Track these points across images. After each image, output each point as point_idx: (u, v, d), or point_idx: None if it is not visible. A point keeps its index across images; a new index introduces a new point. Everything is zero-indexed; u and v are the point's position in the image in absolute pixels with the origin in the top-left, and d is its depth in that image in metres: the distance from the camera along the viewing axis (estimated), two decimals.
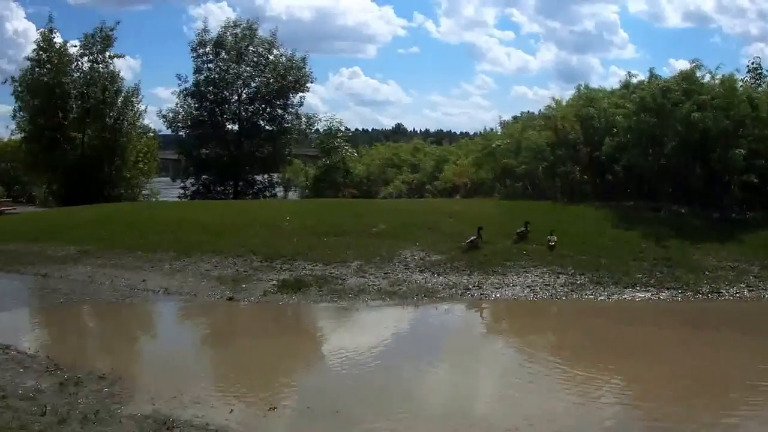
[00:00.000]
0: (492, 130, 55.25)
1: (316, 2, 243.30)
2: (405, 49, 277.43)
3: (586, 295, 17.60)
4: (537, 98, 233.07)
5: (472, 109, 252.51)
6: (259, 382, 12.00)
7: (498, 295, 17.58)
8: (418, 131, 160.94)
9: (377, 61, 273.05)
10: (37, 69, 53.04)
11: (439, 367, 13.10)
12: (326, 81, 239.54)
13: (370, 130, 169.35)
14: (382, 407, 10.70)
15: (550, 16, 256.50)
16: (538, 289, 17.83)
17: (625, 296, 17.56)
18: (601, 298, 17.47)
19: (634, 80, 30.57)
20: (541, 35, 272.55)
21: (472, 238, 20.74)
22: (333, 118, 63.21)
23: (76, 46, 53.95)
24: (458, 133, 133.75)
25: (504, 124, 48.33)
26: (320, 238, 22.58)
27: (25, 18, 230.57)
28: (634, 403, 11.14)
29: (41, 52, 53.23)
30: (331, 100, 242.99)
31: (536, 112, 45.94)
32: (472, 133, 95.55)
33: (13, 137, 63.60)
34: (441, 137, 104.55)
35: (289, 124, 60.10)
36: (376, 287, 18.09)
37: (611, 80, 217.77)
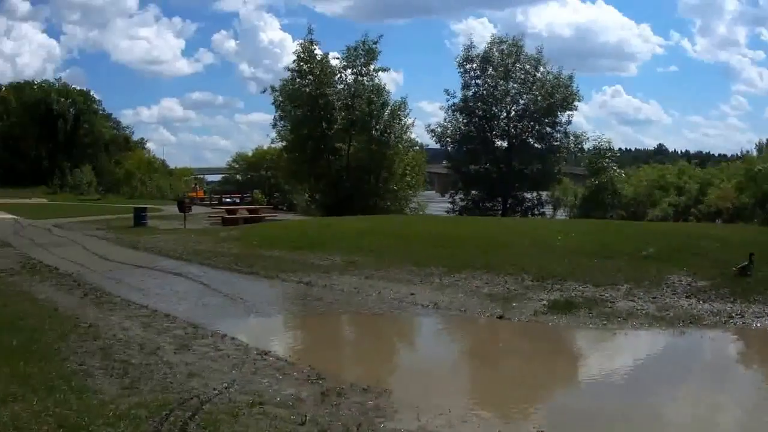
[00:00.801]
0: (748, 152, 54.01)
1: (576, 19, 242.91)
2: (664, 67, 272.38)
3: None
4: None
5: (727, 131, 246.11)
6: (526, 403, 11.56)
7: (758, 325, 16.51)
8: (679, 152, 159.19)
9: (638, 79, 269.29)
10: (298, 79, 55.24)
11: (691, 398, 12.37)
12: (590, 99, 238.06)
13: (632, 149, 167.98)
14: None
15: None
16: None
17: None
18: None
19: None
20: None
21: (743, 263, 19.64)
22: (601, 138, 62.93)
23: (338, 59, 55.72)
24: (716, 154, 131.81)
25: (761, 147, 47.32)
26: (590, 259, 22.04)
27: (279, 29, 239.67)
28: None
29: (302, 63, 55.28)
30: (595, 119, 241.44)
31: None
32: (729, 156, 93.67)
33: (273, 145, 65.67)
34: (701, 159, 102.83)
35: (558, 143, 59.99)
36: (644, 312, 17.26)
37: None
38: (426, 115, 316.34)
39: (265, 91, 59.05)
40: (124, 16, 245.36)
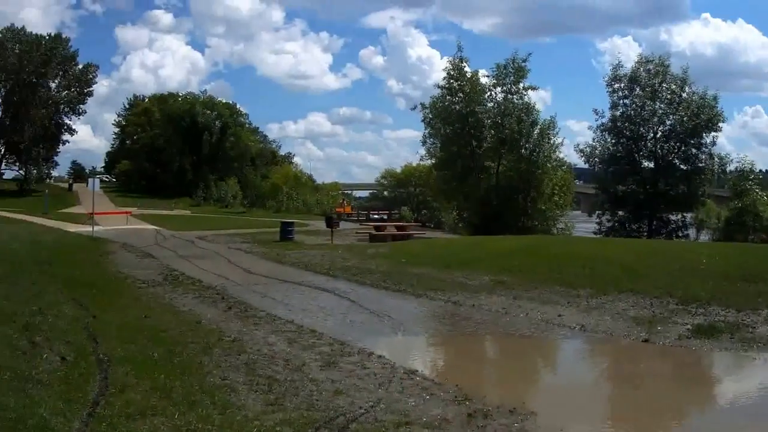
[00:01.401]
0: None
1: (718, 38, 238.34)
2: None
3: None
4: None
5: None
6: (668, 429, 11.82)
7: None
8: None
9: None
10: (448, 97, 55.81)
11: None
12: (731, 120, 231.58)
13: None
14: None
15: None
16: None
17: None
18: None
19: None
20: None
21: None
22: (744, 160, 62.19)
23: (487, 76, 55.86)
24: None
25: None
26: (733, 283, 21.83)
27: (428, 45, 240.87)
28: None
29: (452, 81, 55.78)
30: (736, 140, 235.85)
31: None
32: None
33: (422, 162, 66.40)
34: None
35: (703, 164, 59.40)
36: None
37: None
38: (573, 133, 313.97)
39: (415, 107, 60.11)
40: (270, 30, 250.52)
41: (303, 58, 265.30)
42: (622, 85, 61.11)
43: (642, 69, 61.49)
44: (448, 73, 56.79)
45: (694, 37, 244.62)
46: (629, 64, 63.26)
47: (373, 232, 46.04)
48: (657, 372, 15.98)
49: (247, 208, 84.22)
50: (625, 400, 13.85)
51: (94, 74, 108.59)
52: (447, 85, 56.88)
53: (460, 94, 56.06)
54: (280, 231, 43.35)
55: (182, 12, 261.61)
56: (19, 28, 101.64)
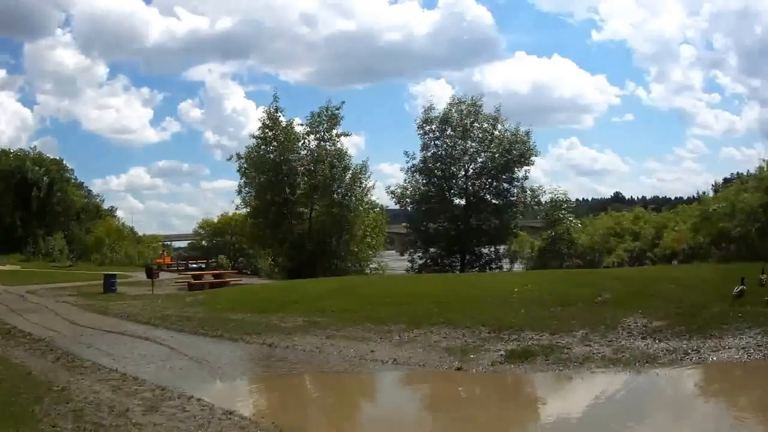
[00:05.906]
0: (704, 194, 55.56)
1: (532, 76, 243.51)
2: (619, 117, 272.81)
3: None
4: (744, 158, 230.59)
5: (684, 174, 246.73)
6: None
7: (714, 359, 17.06)
8: (636, 198, 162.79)
9: (594, 130, 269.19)
10: (263, 146, 56.15)
11: None
12: (546, 153, 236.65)
13: (589, 199, 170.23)
14: None
15: (752, 75, 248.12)
16: (752, 350, 17.27)
17: None
18: None
19: None
20: (744, 95, 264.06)
21: (740, 287, 20.74)
22: (557, 190, 64.38)
23: (302, 125, 56.44)
24: (673, 198, 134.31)
25: (717, 187, 49.00)
26: (547, 309, 22.22)
27: (244, 97, 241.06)
28: None
29: (267, 130, 56.13)
30: (552, 172, 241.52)
31: (745, 173, 46.53)
32: (685, 198, 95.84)
33: (238, 211, 66.26)
34: (658, 203, 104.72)
35: (515, 198, 61.10)
36: (600, 355, 17.78)
37: None
38: (386, 176, 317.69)
39: (230, 158, 59.46)
40: (94, 86, 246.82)
41: (125, 113, 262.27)
42: (434, 126, 62.07)
43: (454, 110, 62.92)
44: (263, 123, 57.33)
45: (509, 76, 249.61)
46: (441, 106, 64.38)
47: (191, 280, 46.04)
48: (470, 398, 16.48)
49: (74, 262, 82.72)
50: (443, 428, 14.25)
51: None
52: (261, 135, 57.27)
53: (275, 143, 56.56)
54: (103, 283, 42.66)
55: (15, 69, 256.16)
56: None
